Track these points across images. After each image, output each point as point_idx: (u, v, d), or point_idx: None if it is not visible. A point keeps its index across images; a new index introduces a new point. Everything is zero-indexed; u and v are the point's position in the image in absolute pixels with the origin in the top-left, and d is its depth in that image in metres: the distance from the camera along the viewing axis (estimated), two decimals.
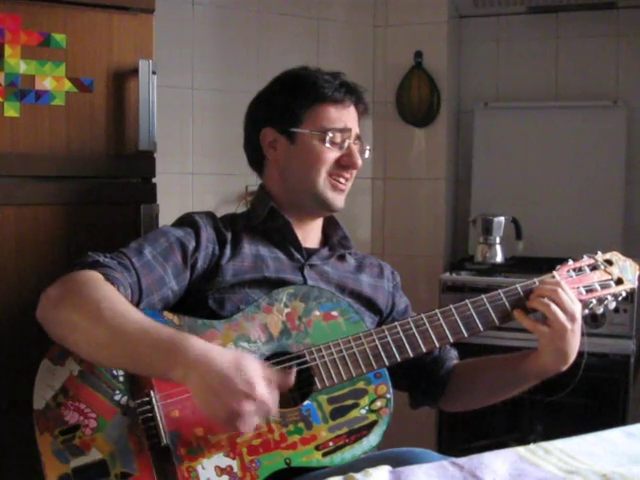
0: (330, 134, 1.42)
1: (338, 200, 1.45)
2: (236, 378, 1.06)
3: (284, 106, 1.45)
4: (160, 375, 1.12)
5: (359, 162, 1.45)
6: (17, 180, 1.61)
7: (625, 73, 2.70)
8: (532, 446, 1.06)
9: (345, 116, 1.45)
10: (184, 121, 2.43)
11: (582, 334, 1.32)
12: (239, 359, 1.08)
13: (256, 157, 1.52)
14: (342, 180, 1.45)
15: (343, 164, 1.44)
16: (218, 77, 2.49)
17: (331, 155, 1.43)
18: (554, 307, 1.26)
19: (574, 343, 1.29)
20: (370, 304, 1.47)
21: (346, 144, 1.44)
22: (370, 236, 2.80)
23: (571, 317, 1.26)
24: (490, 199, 2.74)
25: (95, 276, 1.19)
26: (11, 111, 1.58)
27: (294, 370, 1.15)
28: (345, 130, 1.44)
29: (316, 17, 2.64)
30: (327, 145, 1.42)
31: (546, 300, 1.26)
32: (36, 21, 1.60)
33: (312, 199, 1.44)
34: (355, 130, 1.46)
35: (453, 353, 1.51)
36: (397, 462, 1.05)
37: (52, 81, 1.62)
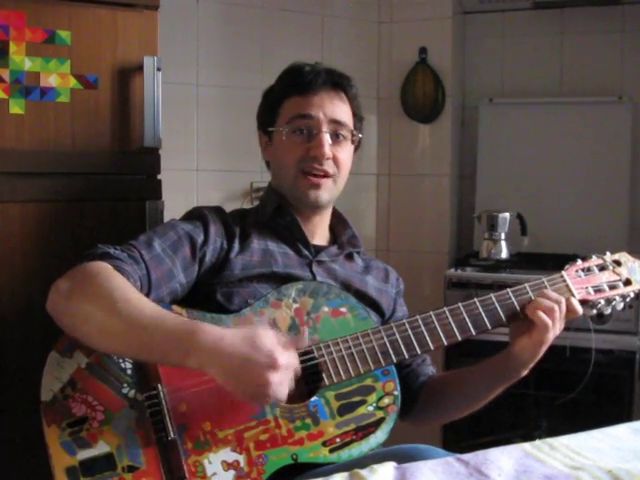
0: (286, 127, 1.40)
1: (313, 195, 1.41)
2: (255, 354, 1.05)
3: (264, 107, 1.49)
4: (176, 364, 1.11)
5: (325, 151, 1.38)
6: (22, 177, 1.61)
7: (630, 69, 2.69)
8: (537, 442, 1.06)
9: (308, 104, 1.40)
10: (189, 117, 2.44)
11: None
12: (252, 336, 1.08)
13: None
14: (315, 172, 1.39)
15: (311, 155, 1.39)
16: (223, 73, 2.49)
17: (296, 148, 1.40)
18: (546, 320, 1.26)
19: (544, 350, 1.30)
20: (375, 306, 1.46)
21: (314, 132, 1.40)
22: (375, 232, 2.80)
23: (554, 333, 1.28)
24: (495, 195, 2.74)
25: (105, 267, 1.19)
26: (16, 108, 1.59)
27: (305, 331, 1.15)
28: (307, 117, 1.39)
29: (321, 13, 2.64)
30: (284, 138, 1.40)
31: (540, 314, 1.27)
32: (41, 18, 1.60)
33: (291, 195, 1.44)
34: (327, 116, 1.39)
35: (430, 369, 1.50)
36: (402, 458, 1.05)
37: (57, 78, 1.62)
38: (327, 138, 1.39)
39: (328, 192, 1.42)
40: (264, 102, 1.51)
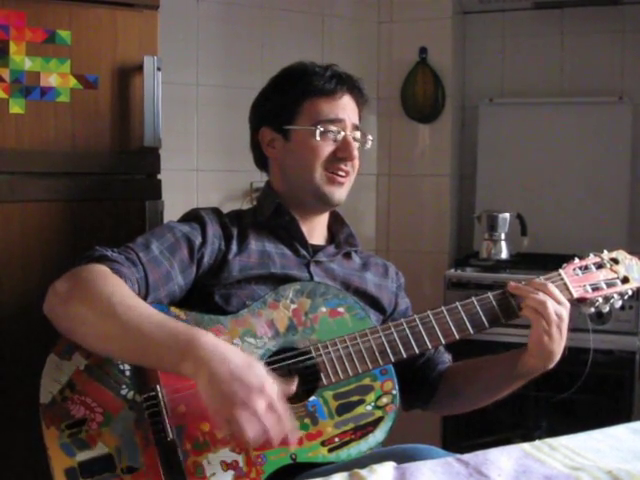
0: (320, 127, 1.41)
1: (337, 194, 1.44)
2: (248, 372, 1.05)
3: (277, 104, 1.46)
4: (170, 369, 1.12)
5: (354, 153, 1.42)
6: (22, 176, 1.61)
7: (630, 69, 2.69)
8: (537, 442, 1.06)
9: (337, 107, 1.43)
10: (189, 117, 2.43)
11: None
12: (250, 359, 1.09)
13: (259, 156, 1.53)
14: (340, 173, 1.43)
15: (339, 156, 1.42)
16: (223, 73, 2.49)
17: (325, 149, 1.42)
18: (540, 319, 1.25)
19: (558, 343, 1.28)
20: (374, 302, 1.46)
21: (340, 136, 1.42)
22: (375, 232, 2.80)
23: (556, 325, 1.26)
24: (495, 195, 2.74)
25: (103, 270, 1.20)
26: (16, 108, 1.59)
27: (296, 380, 1.15)
28: (336, 121, 1.42)
29: (321, 13, 2.64)
30: (317, 138, 1.41)
31: (534, 308, 1.26)
32: (41, 18, 1.60)
33: (311, 195, 1.44)
34: (351, 120, 1.44)
35: (446, 357, 1.50)
36: (402, 458, 1.05)
37: (57, 78, 1.62)
38: (353, 140, 1.44)
39: (346, 191, 1.46)
40: (275, 99, 1.48)
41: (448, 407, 1.53)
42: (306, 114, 1.43)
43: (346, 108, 1.44)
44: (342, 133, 1.43)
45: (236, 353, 1.09)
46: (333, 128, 1.42)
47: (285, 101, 1.45)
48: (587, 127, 2.67)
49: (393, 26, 2.74)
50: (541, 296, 1.26)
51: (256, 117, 1.52)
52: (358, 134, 1.47)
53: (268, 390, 1.05)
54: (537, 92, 2.79)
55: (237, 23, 2.51)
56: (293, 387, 1.13)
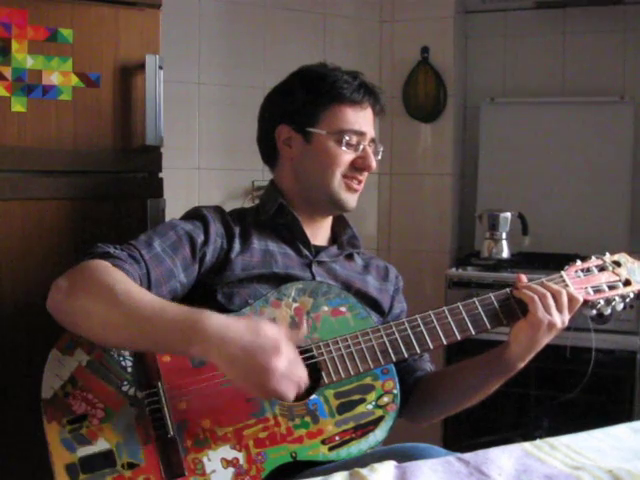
0: (347, 137, 1.42)
1: (351, 200, 1.46)
2: (260, 341, 1.07)
3: (301, 104, 1.45)
4: (180, 352, 1.13)
5: (373, 165, 1.45)
6: (24, 175, 1.61)
7: (632, 68, 2.69)
8: (538, 442, 1.06)
9: (362, 118, 1.44)
10: (191, 116, 2.44)
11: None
12: (257, 325, 1.10)
13: (269, 152, 1.52)
14: (356, 181, 1.45)
15: (357, 166, 1.44)
16: (225, 72, 2.49)
17: (346, 157, 1.43)
18: (537, 302, 1.26)
19: (547, 337, 1.29)
20: (375, 305, 1.46)
21: (361, 146, 1.44)
22: (376, 231, 2.81)
23: (551, 323, 1.27)
24: (496, 194, 2.74)
25: (106, 265, 1.20)
26: (18, 106, 1.59)
27: (304, 324, 1.16)
28: (361, 133, 1.44)
29: (323, 12, 2.64)
30: (343, 148, 1.42)
31: (531, 294, 1.27)
32: (43, 16, 1.60)
33: (326, 199, 1.45)
34: (371, 133, 1.46)
35: (427, 365, 1.50)
36: (403, 457, 1.05)
37: (59, 76, 1.62)
38: (371, 151, 1.46)
39: (358, 198, 1.49)
40: (300, 98, 1.45)
41: (420, 413, 1.49)
42: (331, 120, 1.43)
43: (368, 120, 1.46)
44: (362, 144, 1.44)
45: (242, 325, 1.09)
46: (356, 138, 1.43)
47: (311, 103, 1.44)
48: (589, 127, 2.67)
49: (395, 25, 2.74)
50: (551, 301, 1.27)
51: (274, 113, 1.49)
52: (374, 147, 1.48)
53: (283, 347, 1.07)
54: (539, 91, 2.79)
55: (239, 22, 2.51)
56: (303, 330, 1.17)
